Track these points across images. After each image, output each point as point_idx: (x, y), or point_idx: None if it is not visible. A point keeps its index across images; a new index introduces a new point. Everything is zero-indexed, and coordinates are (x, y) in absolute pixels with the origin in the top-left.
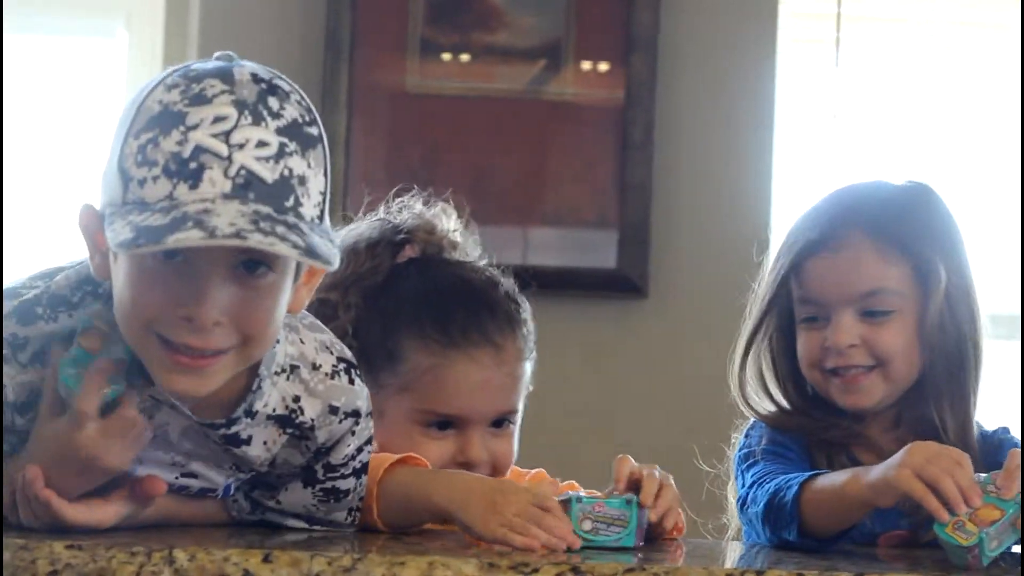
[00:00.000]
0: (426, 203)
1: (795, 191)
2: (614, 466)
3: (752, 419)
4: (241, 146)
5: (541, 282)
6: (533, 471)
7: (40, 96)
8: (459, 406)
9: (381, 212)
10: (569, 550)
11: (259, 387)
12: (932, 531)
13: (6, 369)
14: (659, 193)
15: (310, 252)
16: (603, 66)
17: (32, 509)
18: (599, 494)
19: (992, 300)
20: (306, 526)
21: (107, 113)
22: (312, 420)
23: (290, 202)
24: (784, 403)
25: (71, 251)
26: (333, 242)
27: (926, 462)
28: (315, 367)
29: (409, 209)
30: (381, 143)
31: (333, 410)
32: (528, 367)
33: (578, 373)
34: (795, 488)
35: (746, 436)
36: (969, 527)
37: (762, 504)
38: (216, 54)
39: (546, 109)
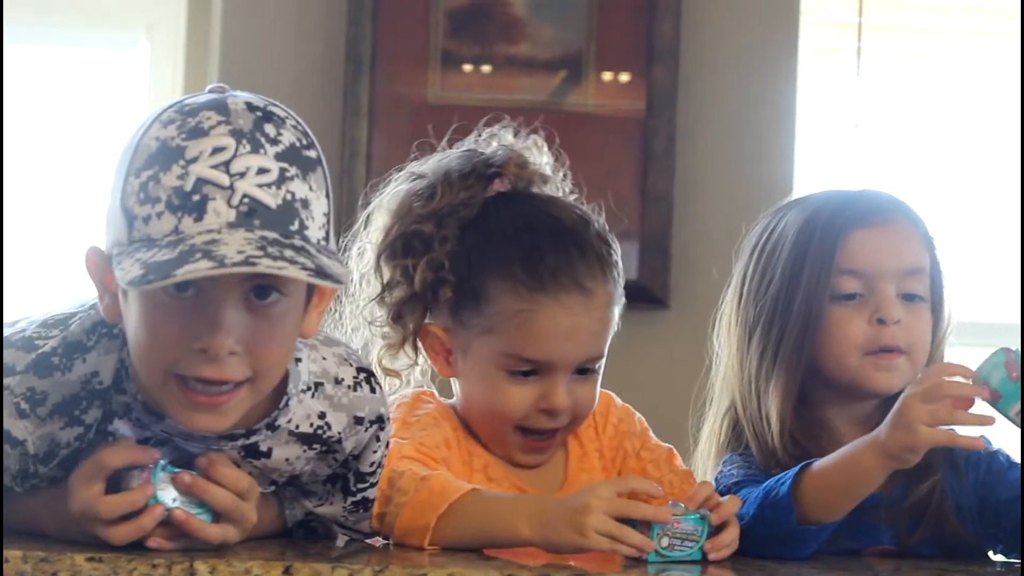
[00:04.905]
0: (516, 135)
1: None
2: (696, 488)
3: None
4: (242, 175)
5: None
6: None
7: (62, 108)
8: (546, 352)
9: (470, 142)
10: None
11: (286, 404)
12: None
13: (25, 424)
14: (681, 203)
15: (320, 273)
16: (624, 76)
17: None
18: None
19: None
20: (349, 534)
21: (128, 125)
22: (339, 433)
23: (295, 226)
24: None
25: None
26: (342, 262)
27: (929, 409)
28: (338, 381)
29: (499, 140)
30: (402, 154)
31: (358, 420)
32: (617, 312)
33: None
34: (790, 478)
35: (716, 482)
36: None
37: (755, 504)
38: (208, 87)
39: (567, 120)
